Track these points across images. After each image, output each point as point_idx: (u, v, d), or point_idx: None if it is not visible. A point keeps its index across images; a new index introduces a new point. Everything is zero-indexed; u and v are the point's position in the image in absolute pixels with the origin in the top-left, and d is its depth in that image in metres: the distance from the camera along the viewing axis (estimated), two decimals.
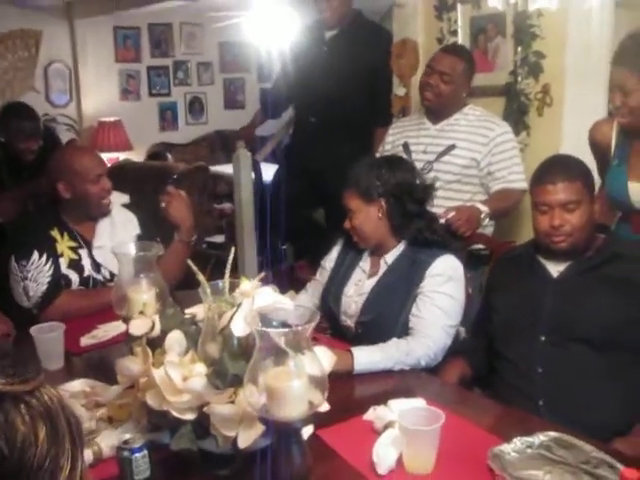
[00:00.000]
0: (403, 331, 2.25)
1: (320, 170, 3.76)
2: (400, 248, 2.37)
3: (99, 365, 2.21)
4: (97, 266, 2.75)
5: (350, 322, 2.41)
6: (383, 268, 2.39)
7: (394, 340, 2.17)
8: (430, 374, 2.21)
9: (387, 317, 2.30)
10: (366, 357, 2.08)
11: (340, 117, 3.82)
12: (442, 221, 2.77)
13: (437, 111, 3.09)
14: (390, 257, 2.38)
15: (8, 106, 4.10)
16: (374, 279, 2.39)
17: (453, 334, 2.28)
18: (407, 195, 2.34)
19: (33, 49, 7.17)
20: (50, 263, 2.64)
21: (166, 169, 5.08)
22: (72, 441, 0.85)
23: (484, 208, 2.88)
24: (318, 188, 3.85)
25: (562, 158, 2.32)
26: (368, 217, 2.35)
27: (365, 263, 2.46)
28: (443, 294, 2.24)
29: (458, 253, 2.39)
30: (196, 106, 8.23)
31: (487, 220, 2.91)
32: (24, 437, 0.79)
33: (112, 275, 2.72)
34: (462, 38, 3.53)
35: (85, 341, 2.37)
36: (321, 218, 4.13)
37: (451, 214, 2.80)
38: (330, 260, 2.57)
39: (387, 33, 3.97)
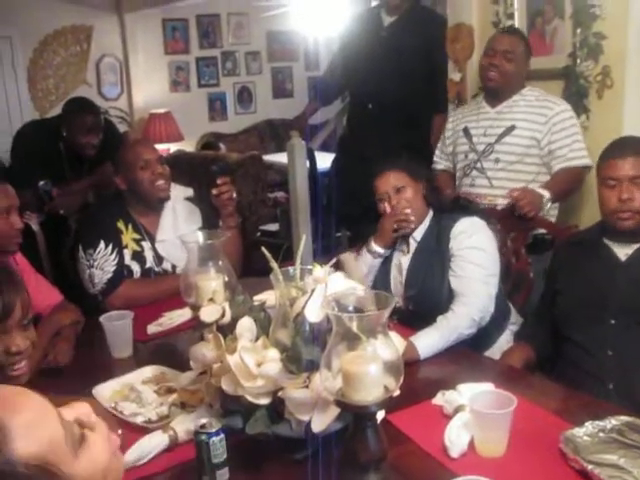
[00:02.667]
0: (449, 294, 2.33)
1: (377, 158, 3.76)
2: (426, 224, 2.49)
3: (166, 352, 2.25)
4: (159, 259, 2.80)
5: (400, 302, 2.47)
6: (413, 246, 2.49)
7: (440, 317, 2.22)
8: (494, 359, 2.21)
9: (431, 286, 2.39)
10: (426, 341, 2.12)
11: (398, 104, 3.85)
12: (506, 202, 2.82)
13: (499, 92, 3.08)
14: (418, 234, 2.49)
15: (70, 101, 4.17)
16: (408, 256, 2.50)
17: (494, 283, 2.34)
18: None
19: (85, 44, 7.29)
20: (115, 253, 2.71)
21: (220, 158, 5.12)
22: None
23: (545, 192, 2.85)
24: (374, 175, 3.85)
25: (631, 137, 2.31)
26: (417, 192, 2.50)
27: (401, 245, 2.55)
28: (471, 248, 2.32)
29: (481, 217, 2.48)
30: (245, 96, 8.27)
31: (549, 204, 2.87)
32: None
33: (174, 267, 2.78)
34: (519, 21, 3.48)
35: (152, 329, 2.41)
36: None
37: (516, 193, 2.79)
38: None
39: (442, 19, 3.95)
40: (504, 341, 2.43)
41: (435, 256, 2.41)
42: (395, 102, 3.84)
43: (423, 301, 2.39)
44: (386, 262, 2.56)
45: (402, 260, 2.52)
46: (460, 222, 2.39)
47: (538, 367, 2.30)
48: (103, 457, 0.88)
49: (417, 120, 3.91)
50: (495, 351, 2.38)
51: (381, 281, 2.54)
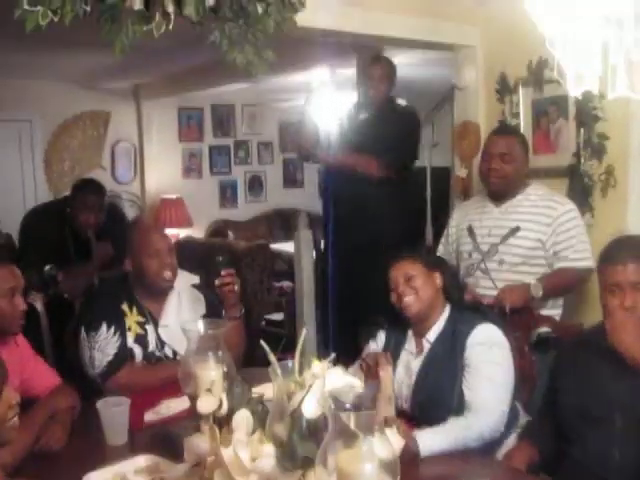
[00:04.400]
0: (460, 403, 2.25)
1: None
2: (440, 325, 2.41)
3: (162, 441, 2.20)
4: (161, 343, 2.79)
5: (405, 405, 2.39)
6: (426, 347, 2.42)
7: (454, 419, 2.17)
8: (496, 459, 2.17)
9: (441, 394, 2.31)
10: (430, 440, 2.06)
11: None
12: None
13: (501, 193, 3.09)
14: (431, 336, 2.41)
15: (78, 181, 4.30)
16: (420, 359, 2.41)
17: (508, 400, 2.27)
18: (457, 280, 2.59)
19: (102, 129, 7.47)
20: (118, 335, 2.70)
21: (227, 246, 5.16)
22: None
23: (532, 281, 2.86)
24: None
25: (630, 238, 2.31)
26: (429, 283, 2.43)
27: (410, 344, 2.47)
28: (489, 362, 2.26)
29: (495, 321, 2.42)
30: (256, 184, 8.40)
31: (540, 292, 2.86)
32: None
33: (175, 354, 2.76)
34: (524, 120, 3.56)
35: (149, 417, 2.38)
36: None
37: (500, 295, 2.86)
38: (379, 342, 2.58)
39: (412, 114, 4.19)
40: (512, 443, 2.35)
41: (448, 362, 2.33)
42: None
43: (431, 408, 2.30)
44: (395, 352, 2.47)
45: (412, 362, 2.43)
46: (478, 330, 2.32)
47: (542, 468, 2.25)
48: None
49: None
50: (503, 452, 2.31)
51: None
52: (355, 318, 4.07)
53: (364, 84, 4.16)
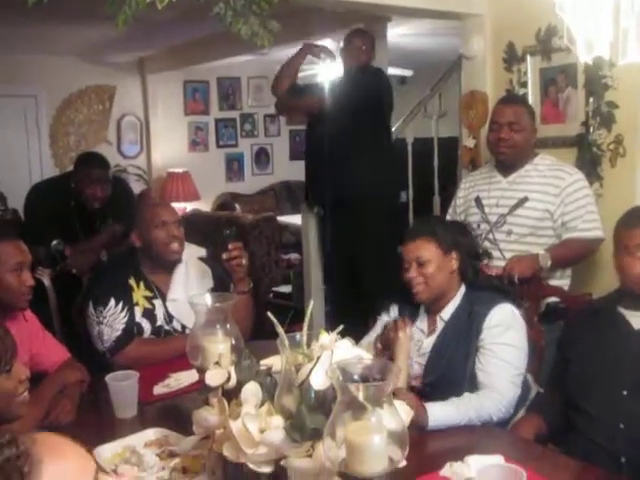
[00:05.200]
0: (471, 384, 2.22)
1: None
2: (456, 302, 2.36)
3: (171, 414, 2.22)
4: (169, 317, 2.79)
5: (416, 383, 2.36)
6: (440, 325, 2.37)
7: (466, 395, 2.14)
8: (505, 429, 2.17)
9: (453, 374, 2.27)
10: (440, 413, 2.05)
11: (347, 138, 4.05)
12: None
13: (510, 163, 3.06)
14: (446, 313, 2.36)
15: (81, 154, 4.28)
16: (433, 337, 2.37)
17: (520, 383, 2.24)
18: (472, 254, 2.42)
19: (107, 103, 7.44)
20: (126, 310, 2.70)
21: (234, 219, 5.16)
22: None
23: (540, 251, 2.85)
24: None
25: None
26: (444, 266, 2.33)
27: (422, 323, 2.43)
28: (504, 345, 2.22)
29: (514, 299, 2.38)
30: (262, 157, 8.37)
31: (549, 262, 2.85)
32: None
33: (183, 327, 2.76)
34: (532, 89, 3.52)
35: (158, 390, 2.39)
36: None
37: (508, 266, 2.83)
38: (392, 315, 2.53)
39: (378, 71, 4.30)
40: (521, 416, 2.33)
41: (463, 343, 2.28)
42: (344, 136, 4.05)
43: (442, 388, 2.24)
44: None
45: (424, 341, 2.38)
46: (495, 312, 2.25)
47: (549, 438, 2.25)
48: None
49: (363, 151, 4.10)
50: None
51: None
52: (352, 289, 4.15)
53: (346, 55, 4.25)
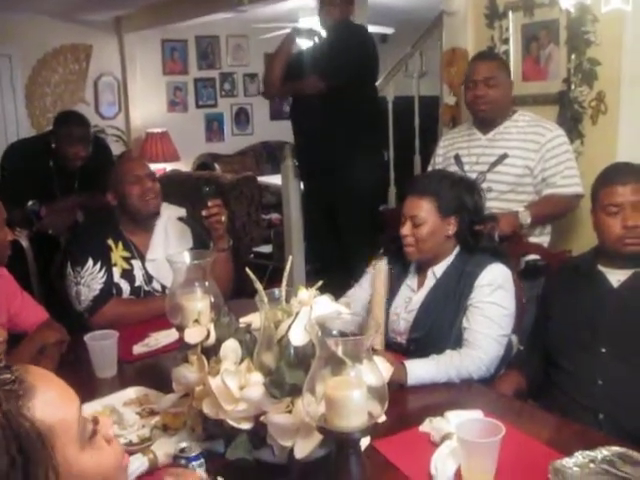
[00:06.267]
0: (456, 344, 2.21)
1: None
2: (449, 260, 2.33)
3: (152, 373, 2.21)
4: (149, 278, 2.77)
5: (401, 339, 2.36)
6: (431, 280, 2.34)
7: (447, 352, 2.14)
8: (485, 386, 2.18)
9: (439, 331, 2.26)
10: (419, 370, 2.05)
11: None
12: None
13: (490, 120, 3.05)
14: (439, 269, 2.33)
15: (60, 114, 4.19)
16: (422, 293, 2.35)
17: (505, 343, 2.23)
18: (476, 218, 2.35)
19: (84, 63, 7.33)
20: (104, 271, 2.68)
21: (214, 179, 5.12)
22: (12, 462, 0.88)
23: (520, 208, 2.84)
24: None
25: (627, 163, 2.28)
26: (439, 230, 2.29)
27: (412, 280, 2.41)
28: (492, 304, 2.20)
29: (509, 261, 2.35)
30: (242, 117, 8.31)
31: (528, 219, 2.84)
32: None
33: (163, 288, 2.75)
34: (514, 46, 3.49)
35: (138, 349, 2.38)
36: None
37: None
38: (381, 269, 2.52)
39: (361, 29, 4.27)
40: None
41: (452, 301, 2.26)
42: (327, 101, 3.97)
43: (427, 344, 2.24)
44: (395, 286, 2.43)
45: (413, 297, 2.36)
46: (487, 271, 2.22)
47: (529, 395, 2.27)
48: (108, 464, 1.01)
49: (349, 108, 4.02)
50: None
51: None
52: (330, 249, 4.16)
53: (322, 12, 4.14)
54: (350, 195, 4.00)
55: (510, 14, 3.50)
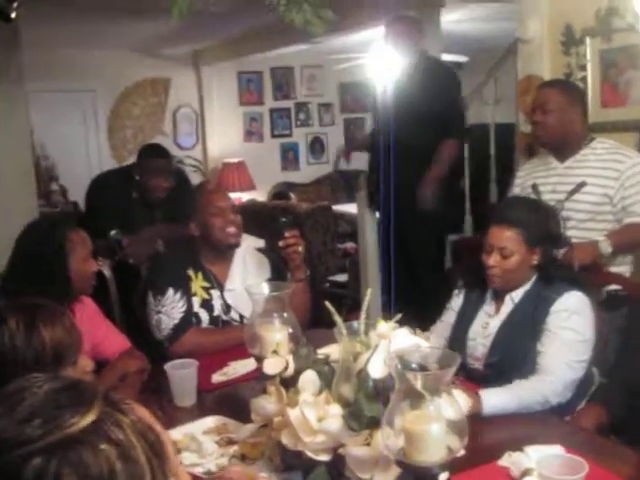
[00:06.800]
0: (533, 368, 2.19)
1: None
2: (527, 287, 2.32)
3: (230, 402, 2.24)
4: (227, 307, 2.82)
5: (478, 365, 2.35)
6: (509, 306, 2.33)
7: (517, 381, 2.12)
8: (565, 419, 2.13)
9: (515, 356, 2.24)
10: (494, 399, 2.03)
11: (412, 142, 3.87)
12: None
13: (557, 147, 3.00)
14: (517, 295, 2.32)
15: (144, 146, 4.34)
16: (499, 318, 2.34)
17: (581, 370, 2.19)
18: (557, 247, 2.35)
19: (162, 95, 7.55)
20: (184, 300, 2.74)
21: (290, 209, 5.18)
22: (150, 462, 0.83)
23: (600, 237, 2.78)
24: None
25: None
26: (525, 261, 2.29)
27: (490, 306, 2.40)
28: (567, 329, 2.17)
29: (589, 291, 2.30)
30: (317, 146, 8.39)
31: (609, 249, 2.77)
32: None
33: (241, 317, 2.78)
34: (592, 72, 3.44)
35: (216, 378, 2.42)
36: None
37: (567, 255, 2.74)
38: (457, 302, 2.53)
39: (449, 69, 4.22)
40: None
41: (529, 326, 2.24)
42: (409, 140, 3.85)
43: (504, 369, 2.23)
44: (463, 319, 2.44)
45: (491, 322, 2.36)
46: (564, 298, 2.21)
47: (612, 430, 2.20)
48: None
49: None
50: None
51: (461, 328, 2.42)
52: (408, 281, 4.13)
53: (387, 43, 4.07)
54: (425, 225, 3.99)
55: (587, 40, 3.45)
